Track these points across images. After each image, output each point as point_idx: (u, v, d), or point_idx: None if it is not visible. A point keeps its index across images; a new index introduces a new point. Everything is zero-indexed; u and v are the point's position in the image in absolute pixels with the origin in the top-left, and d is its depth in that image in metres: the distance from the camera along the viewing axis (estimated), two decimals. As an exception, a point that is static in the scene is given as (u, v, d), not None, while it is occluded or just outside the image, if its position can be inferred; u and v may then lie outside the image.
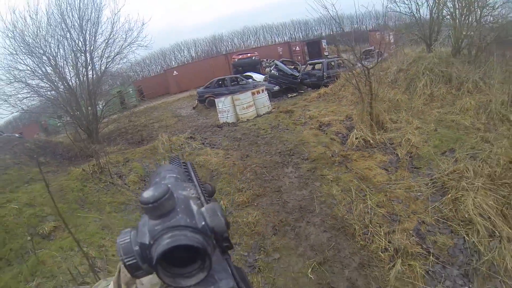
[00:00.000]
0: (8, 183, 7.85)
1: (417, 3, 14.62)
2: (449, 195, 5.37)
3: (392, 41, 20.33)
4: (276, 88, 15.88)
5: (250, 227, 5.38)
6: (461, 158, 6.23)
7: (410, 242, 4.60)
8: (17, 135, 18.80)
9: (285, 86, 16.28)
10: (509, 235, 4.46)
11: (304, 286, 4.27)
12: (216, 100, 12.80)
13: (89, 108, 13.18)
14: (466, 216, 4.88)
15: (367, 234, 4.91)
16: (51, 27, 12.69)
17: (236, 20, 70.50)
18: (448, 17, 14.42)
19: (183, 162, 0.72)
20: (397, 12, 15.85)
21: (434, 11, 14.49)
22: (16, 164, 9.55)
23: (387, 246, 4.64)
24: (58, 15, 12.66)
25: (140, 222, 0.53)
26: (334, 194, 5.98)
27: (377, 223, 5.06)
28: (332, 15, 9.75)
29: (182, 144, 9.29)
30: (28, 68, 12.55)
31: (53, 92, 13.19)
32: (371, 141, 7.98)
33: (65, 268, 4.36)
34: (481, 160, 6.01)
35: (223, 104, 12.00)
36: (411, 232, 4.82)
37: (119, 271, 0.69)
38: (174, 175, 0.63)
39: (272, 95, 14.43)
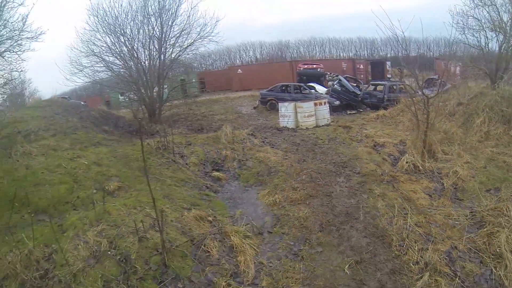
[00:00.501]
0: (77, 142, 8.83)
1: (487, 37, 14.20)
2: (485, 229, 5.61)
3: (457, 72, 19.59)
4: (337, 103, 16.17)
5: (300, 221, 6.03)
6: (505, 198, 6.35)
7: (440, 260, 4.99)
8: (82, 103, 20.61)
9: (345, 102, 16.53)
10: (535, 275, 4.68)
11: (340, 278, 4.81)
12: (279, 104, 13.39)
13: (154, 89, 14.29)
14: (498, 250, 5.13)
15: (403, 246, 5.35)
16: (132, 11, 13.86)
17: (304, 27, 70.29)
18: (517, 54, 13.76)
19: None
20: (465, 44, 15.39)
21: (503, 47, 13.95)
22: (83, 127, 10.59)
23: (418, 260, 5.05)
24: (141, 1, 13.84)
25: None
26: (379, 207, 6.44)
27: (413, 239, 5.47)
28: (400, 40, 9.96)
29: (243, 139, 10.04)
30: (106, 45, 13.81)
31: (124, 70, 14.42)
32: (420, 168, 8.25)
33: (129, 221, 5.03)
34: (524, 203, 6.12)
35: (286, 109, 12.61)
36: (442, 253, 5.18)
37: None
38: None
39: (332, 109, 14.74)
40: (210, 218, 5.84)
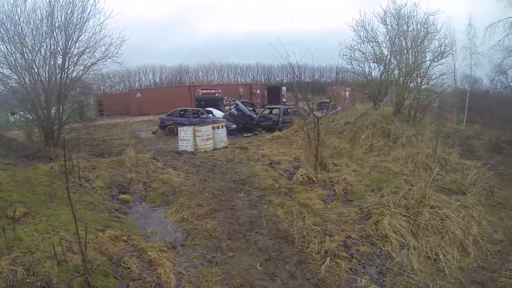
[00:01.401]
0: (-33, 166, 8.29)
1: (370, 67, 18.52)
2: (372, 219, 7.23)
3: (347, 96, 23.79)
4: (234, 126, 17.75)
5: (209, 232, 6.82)
6: (385, 194, 8.14)
7: (338, 248, 6.30)
8: None
9: (242, 126, 18.26)
10: (415, 245, 6.36)
11: (254, 274, 5.69)
12: (179, 128, 14.30)
13: (52, 110, 13.74)
14: (383, 232, 6.73)
15: (304, 242, 6.55)
16: (36, 19, 13.26)
17: (205, 52, 73.75)
18: (394, 82, 17.85)
19: None
20: (352, 72, 19.42)
21: (383, 76, 18.19)
22: (-29, 150, 9.85)
23: (319, 250, 6.31)
24: (47, 11, 13.32)
25: None
26: (279, 214, 7.64)
27: (313, 235, 6.73)
28: (294, 68, 12.08)
29: (147, 162, 10.65)
30: (1, 53, 12.90)
31: (20, 85, 13.58)
32: (314, 179, 9.84)
33: (43, 246, 5.14)
34: (401, 195, 7.96)
35: (185, 133, 13.54)
36: (339, 242, 6.51)
37: None
38: None
39: (229, 132, 16.05)
40: (124, 237, 6.25)
